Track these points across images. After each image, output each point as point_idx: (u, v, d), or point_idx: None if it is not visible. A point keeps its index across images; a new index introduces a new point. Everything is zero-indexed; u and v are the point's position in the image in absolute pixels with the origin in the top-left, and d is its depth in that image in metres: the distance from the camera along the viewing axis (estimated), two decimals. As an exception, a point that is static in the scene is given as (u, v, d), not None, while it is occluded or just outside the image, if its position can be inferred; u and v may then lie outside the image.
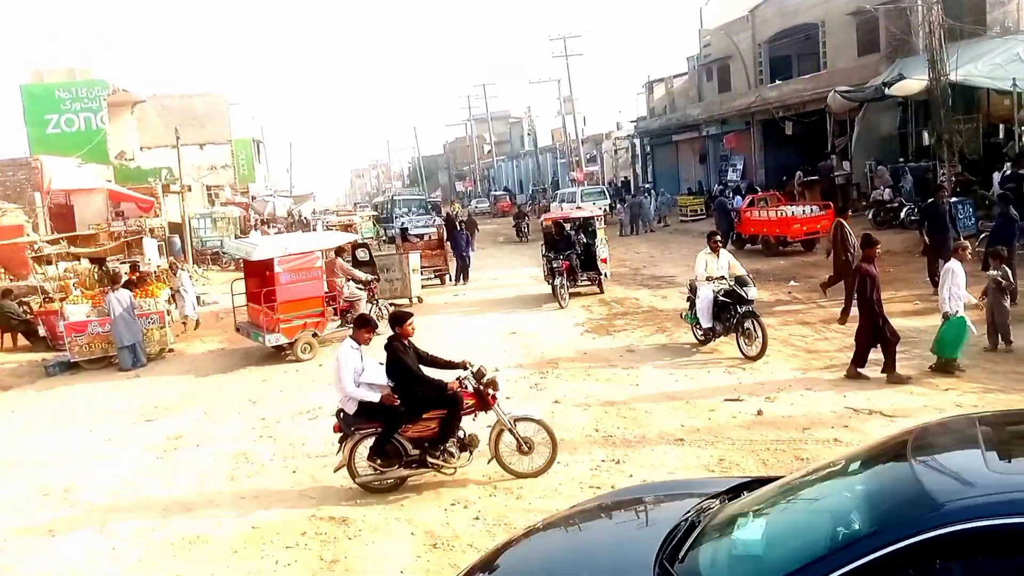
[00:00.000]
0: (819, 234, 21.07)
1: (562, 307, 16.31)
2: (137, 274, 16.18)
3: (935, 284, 12.91)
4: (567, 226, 18.34)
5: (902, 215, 21.23)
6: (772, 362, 10.84)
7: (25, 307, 16.89)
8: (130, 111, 36.23)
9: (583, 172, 50.69)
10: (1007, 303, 10.23)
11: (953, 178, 20.93)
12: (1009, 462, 3.53)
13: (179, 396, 11.83)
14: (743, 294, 11.20)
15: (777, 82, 33.93)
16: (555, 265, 16.83)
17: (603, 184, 50.76)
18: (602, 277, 17.96)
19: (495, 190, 67.09)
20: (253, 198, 38.97)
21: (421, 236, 22.55)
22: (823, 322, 13.06)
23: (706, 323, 11.55)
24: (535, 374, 11.18)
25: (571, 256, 17.07)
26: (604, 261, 17.83)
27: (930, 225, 14.88)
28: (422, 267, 21.78)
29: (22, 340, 16.50)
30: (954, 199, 18.71)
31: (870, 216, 22.79)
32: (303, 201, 50.01)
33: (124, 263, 18.47)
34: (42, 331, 15.90)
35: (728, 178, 36.63)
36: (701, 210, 32.95)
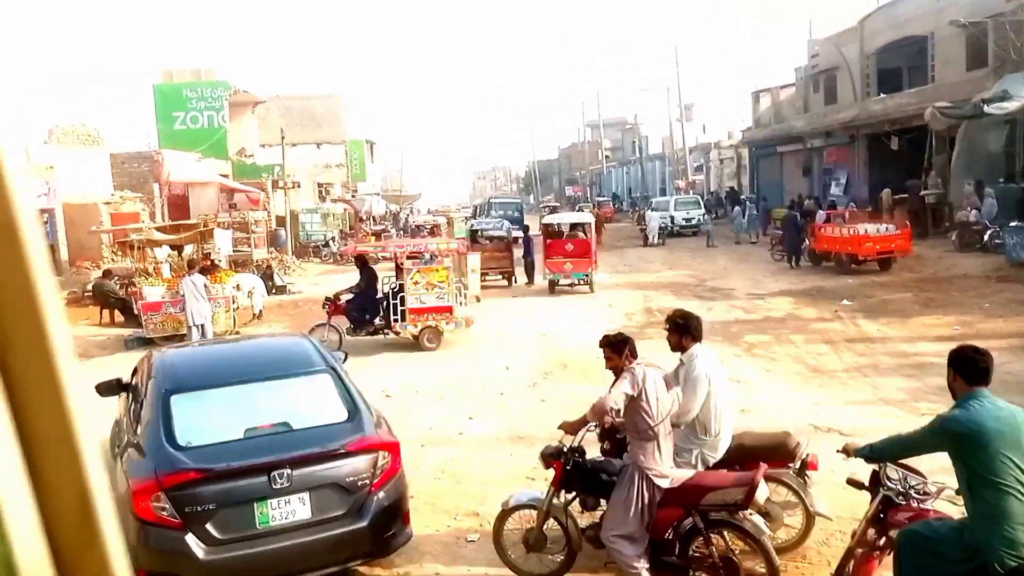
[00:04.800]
0: (893, 253, 20.46)
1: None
2: (210, 261, 17.73)
3: None
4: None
5: (985, 238, 20.28)
6: (771, 377, 10.95)
7: (127, 286, 18.84)
8: (251, 111, 38.95)
9: (687, 181, 50.26)
10: None
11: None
12: None
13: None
14: None
15: (882, 95, 32.73)
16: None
17: (707, 193, 50.23)
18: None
19: (600, 195, 67.26)
20: (352, 196, 40.95)
21: (491, 239, 23.33)
22: (848, 341, 12.93)
23: None
24: (540, 374, 11.73)
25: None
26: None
27: None
28: (490, 268, 22.69)
29: (119, 317, 18.42)
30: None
31: (954, 238, 21.84)
32: (411, 201, 51.98)
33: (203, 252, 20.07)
34: (136, 309, 17.72)
35: (831, 192, 35.60)
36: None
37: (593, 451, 5.91)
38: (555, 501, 5.51)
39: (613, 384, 5.25)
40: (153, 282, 16.36)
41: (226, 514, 5.00)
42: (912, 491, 4.48)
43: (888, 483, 4.54)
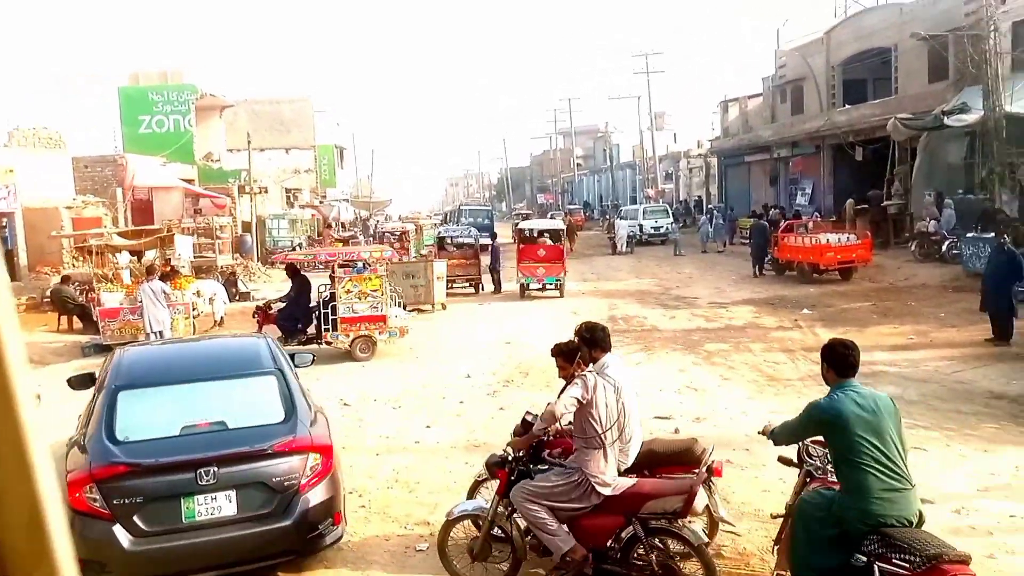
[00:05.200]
0: (854, 263, 20.76)
1: None
2: (170, 267, 17.51)
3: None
4: None
5: (943, 248, 20.64)
6: (728, 385, 11.05)
7: (87, 292, 18.54)
8: (219, 115, 38.59)
9: (656, 190, 50.64)
10: None
11: (1000, 215, 20.22)
12: None
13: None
14: None
15: (846, 106, 33.22)
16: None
17: (676, 202, 50.65)
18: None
19: (572, 203, 67.51)
20: (320, 202, 40.74)
21: (459, 246, 23.32)
22: (805, 349, 13.06)
23: None
24: (500, 382, 11.72)
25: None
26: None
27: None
28: (456, 275, 22.67)
29: (78, 323, 18.11)
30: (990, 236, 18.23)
31: (913, 248, 22.22)
32: (381, 207, 51.81)
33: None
34: (94, 315, 17.45)
35: (797, 202, 36.06)
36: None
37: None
38: (500, 510, 5.50)
39: (563, 390, 5.27)
40: (111, 288, 16.11)
41: (153, 507, 5.26)
42: (829, 466, 4.84)
43: (808, 459, 5.10)
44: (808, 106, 36.94)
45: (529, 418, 5.84)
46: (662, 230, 36.85)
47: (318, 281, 15.44)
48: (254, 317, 14.42)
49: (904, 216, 26.13)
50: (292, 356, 8.49)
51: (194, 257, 23.50)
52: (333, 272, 14.32)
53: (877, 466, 4.25)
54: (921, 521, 4.36)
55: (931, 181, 26.74)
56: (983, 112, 21.42)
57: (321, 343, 13.70)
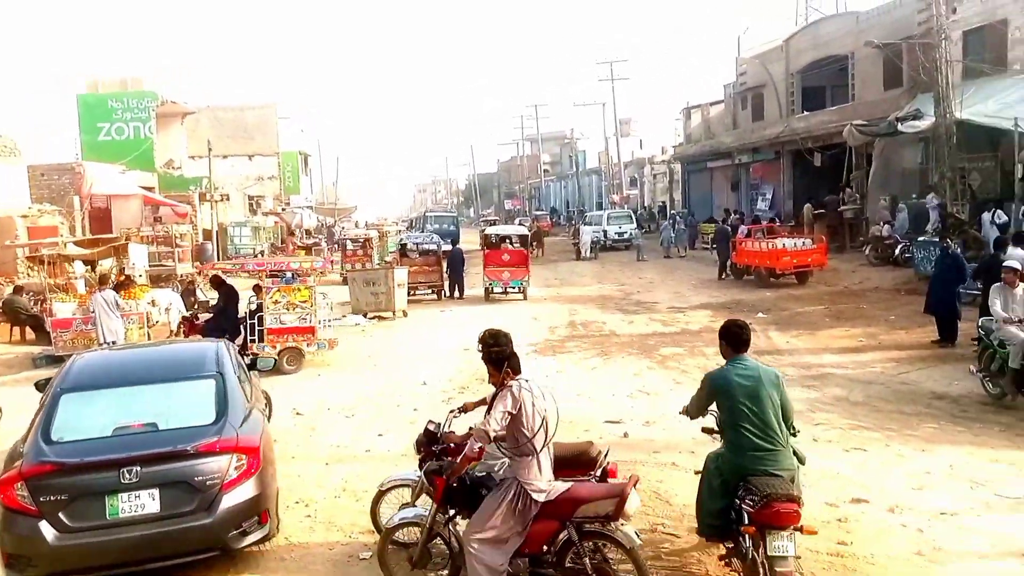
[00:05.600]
0: (809, 267, 21.10)
1: None
2: (124, 276, 17.30)
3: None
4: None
5: (896, 252, 21.06)
6: (679, 388, 11.17)
7: (41, 302, 18.25)
8: (180, 122, 38.26)
9: (622, 196, 51.02)
10: None
11: (950, 219, 20.67)
12: None
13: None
14: None
15: (805, 113, 33.77)
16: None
17: (641, 208, 51.05)
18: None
19: (539, 209, 67.76)
20: (283, 209, 40.49)
21: (422, 253, 23.33)
22: (757, 353, 13.16)
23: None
24: (456, 389, 11.76)
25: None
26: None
27: None
28: (419, 282, 22.67)
29: (31, 334, 17.83)
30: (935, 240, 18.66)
31: (867, 252, 22.63)
32: (346, 214, 51.57)
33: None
34: (47, 326, 17.18)
35: (757, 207, 36.54)
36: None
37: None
38: (438, 517, 5.53)
39: (492, 401, 5.32)
40: (64, 298, 15.89)
41: (79, 504, 5.56)
42: None
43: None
44: (768, 113, 37.46)
45: (432, 427, 5.92)
46: (626, 235, 37.10)
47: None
48: (179, 328, 14.16)
49: (860, 221, 26.59)
50: (255, 361, 8.71)
51: (150, 266, 23.21)
52: (260, 282, 14.07)
53: (752, 428, 5.14)
54: (795, 475, 5.23)
55: (887, 186, 27.27)
56: (935, 119, 21.88)
57: (247, 355, 13.13)
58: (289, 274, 14.10)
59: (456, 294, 22.91)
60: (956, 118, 21.65)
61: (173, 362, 7.33)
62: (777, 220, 30.72)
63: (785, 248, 21.09)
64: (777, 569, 4.84)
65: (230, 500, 5.75)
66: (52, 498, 5.48)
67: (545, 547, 5.25)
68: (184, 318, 14.34)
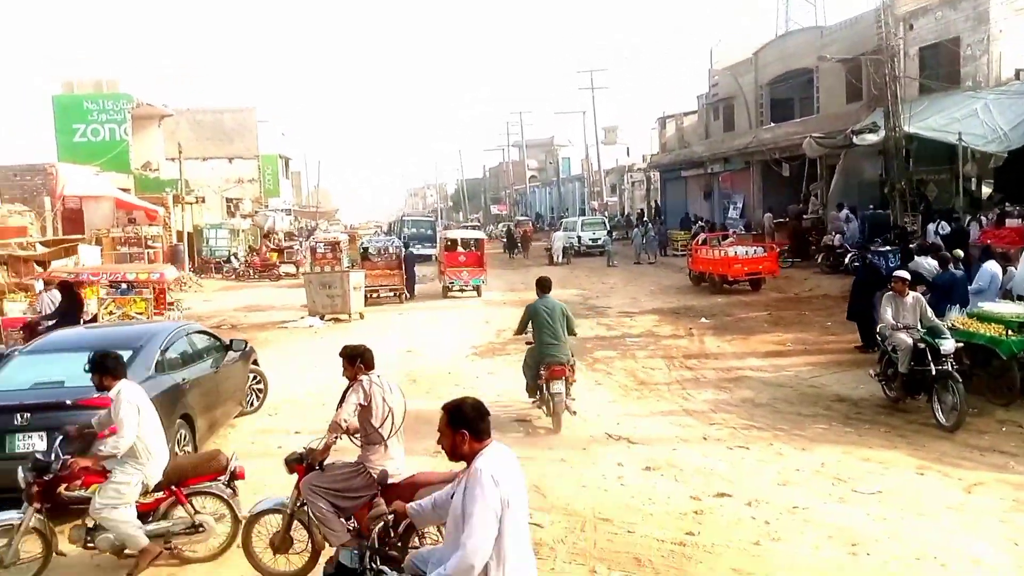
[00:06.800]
0: (761, 275, 21.53)
1: None
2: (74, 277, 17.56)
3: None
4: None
5: (846, 261, 21.53)
6: (598, 390, 11.57)
7: None
8: (157, 124, 38.47)
9: (601, 202, 51.53)
10: None
11: (896, 230, 21.16)
12: None
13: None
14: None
15: (771, 124, 34.30)
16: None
17: (619, 215, 51.53)
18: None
19: (523, 215, 68.19)
20: (255, 212, 40.83)
21: (382, 256, 23.79)
22: (686, 356, 13.66)
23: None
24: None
25: None
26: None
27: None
28: (380, 284, 23.03)
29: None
30: (885, 249, 19.16)
31: (819, 260, 23.08)
32: (327, 217, 51.84)
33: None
34: None
35: (728, 215, 37.05)
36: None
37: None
38: (298, 503, 5.90)
39: (344, 394, 5.72)
40: (15, 298, 16.18)
41: None
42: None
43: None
44: (739, 123, 38.00)
45: (299, 453, 6.08)
46: (599, 242, 37.52)
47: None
48: (20, 332, 14.02)
49: (819, 230, 27.06)
50: (232, 341, 9.57)
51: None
52: (79, 291, 14.04)
53: (546, 331, 9.59)
54: (569, 356, 9.77)
55: (847, 197, 27.77)
56: (884, 132, 22.39)
57: None
58: (124, 285, 14.06)
59: (409, 294, 23.47)
60: (905, 132, 22.19)
61: (117, 336, 8.87)
62: (743, 229, 31.22)
63: (737, 256, 21.51)
64: (555, 399, 9.38)
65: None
66: None
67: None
68: (26, 323, 13.97)
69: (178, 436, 7.95)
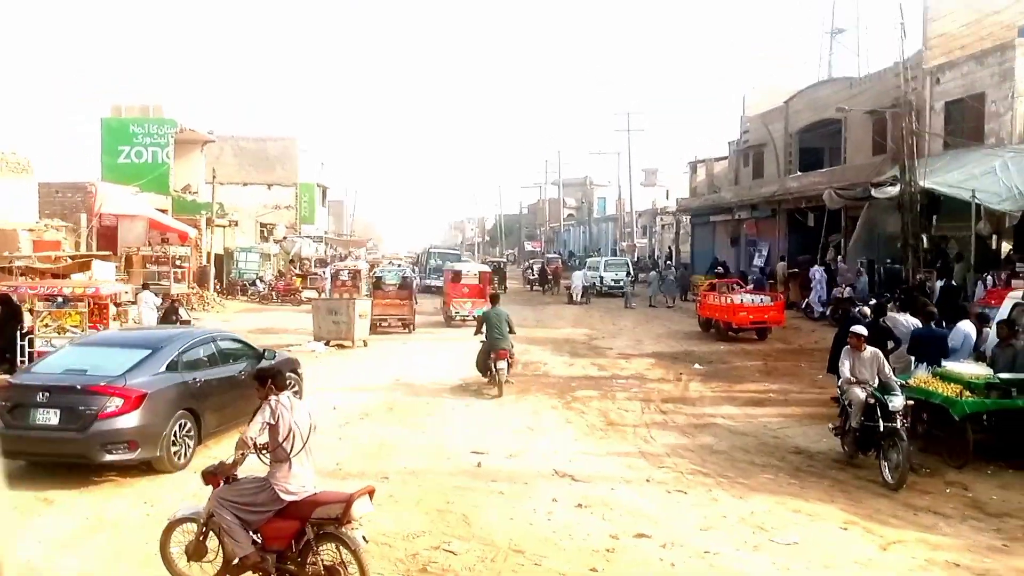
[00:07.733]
0: (766, 323, 21.48)
1: None
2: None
3: None
4: None
5: (827, 313, 21.52)
6: (565, 428, 11.76)
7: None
8: (200, 149, 39.84)
9: (630, 244, 51.68)
10: None
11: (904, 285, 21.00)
12: None
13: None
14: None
15: (798, 173, 34.28)
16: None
17: (648, 256, 51.61)
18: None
19: (553, 253, 68.59)
20: (284, 238, 41.86)
21: (395, 286, 24.36)
22: (664, 400, 13.75)
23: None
24: (359, 415, 12.46)
25: None
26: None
27: None
28: (389, 314, 23.49)
29: None
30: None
31: (828, 313, 22.96)
32: (359, 246, 52.86)
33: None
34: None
35: (754, 263, 36.93)
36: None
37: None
38: (212, 514, 6.23)
39: (254, 414, 6.08)
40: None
41: (17, 411, 8.83)
42: None
43: None
44: (767, 171, 38.03)
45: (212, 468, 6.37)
46: (620, 283, 37.63)
47: None
48: None
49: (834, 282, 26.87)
50: (264, 351, 11.26)
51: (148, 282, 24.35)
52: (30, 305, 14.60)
53: (495, 329, 14.16)
54: (510, 347, 14.34)
55: (868, 249, 27.59)
56: (900, 187, 22.32)
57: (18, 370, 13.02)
58: (60, 299, 14.41)
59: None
60: (921, 187, 22.09)
61: (148, 339, 10.34)
62: (766, 277, 31.17)
63: (742, 304, 21.52)
64: (500, 374, 13.85)
65: (101, 426, 8.53)
66: (3, 403, 8.89)
67: (293, 547, 5.94)
68: None
69: (179, 425, 9.38)
